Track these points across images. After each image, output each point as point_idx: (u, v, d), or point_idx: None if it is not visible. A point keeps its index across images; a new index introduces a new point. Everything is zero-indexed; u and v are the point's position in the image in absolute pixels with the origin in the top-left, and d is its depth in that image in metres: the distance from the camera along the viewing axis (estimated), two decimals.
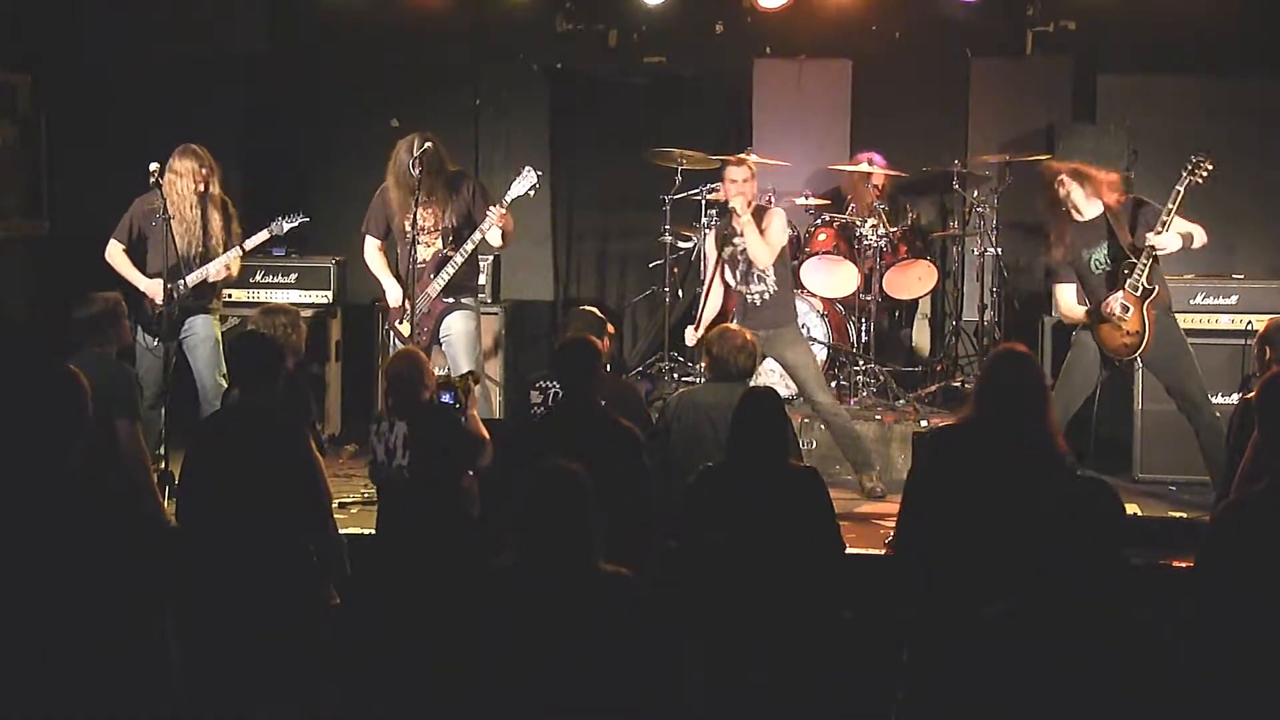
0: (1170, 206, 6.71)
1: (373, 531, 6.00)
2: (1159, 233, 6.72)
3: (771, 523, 4.83)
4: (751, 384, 6.05)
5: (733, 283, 7.56)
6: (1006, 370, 4.88)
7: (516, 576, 3.86)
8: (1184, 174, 6.70)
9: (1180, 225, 6.75)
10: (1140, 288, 6.82)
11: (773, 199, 8.86)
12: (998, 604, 3.82)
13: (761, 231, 7.37)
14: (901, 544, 4.96)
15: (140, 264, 7.38)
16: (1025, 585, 4.20)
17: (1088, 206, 6.93)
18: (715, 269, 7.52)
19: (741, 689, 4.74)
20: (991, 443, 4.77)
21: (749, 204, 7.37)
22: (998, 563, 4.53)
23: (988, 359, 5.37)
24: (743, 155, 7.59)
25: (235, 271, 7.48)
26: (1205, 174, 6.68)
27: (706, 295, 7.56)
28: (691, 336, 7.50)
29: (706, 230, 8.26)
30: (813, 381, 7.47)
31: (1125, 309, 6.84)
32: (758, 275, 7.46)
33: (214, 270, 7.34)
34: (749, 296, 7.48)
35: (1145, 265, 6.80)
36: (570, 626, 3.79)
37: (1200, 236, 6.83)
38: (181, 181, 7.25)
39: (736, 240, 7.42)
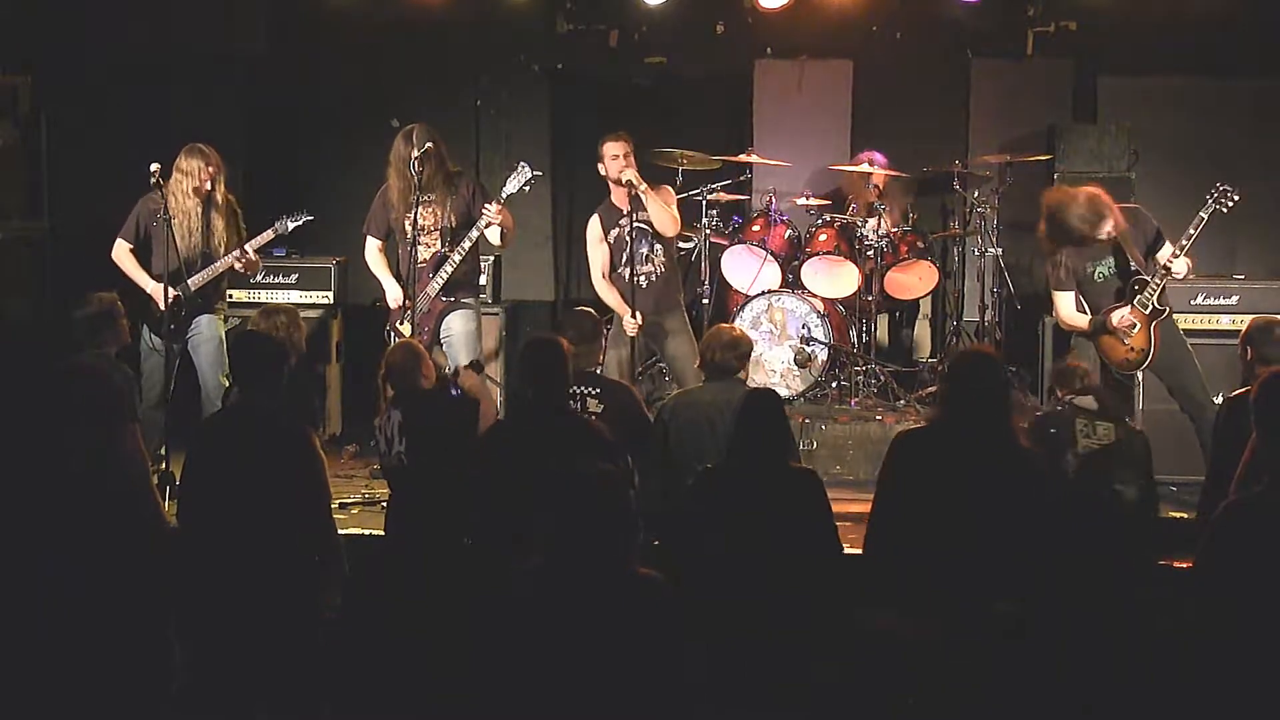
0: (1193, 233, 6.73)
1: (374, 532, 6.02)
2: (1176, 256, 6.74)
3: (770, 523, 4.83)
4: (748, 382, 6.05)
5: (617, 267, 7.38)
6: (969, 372, 4.92)
7: (546, 579, 3.86)
8: (1209, 201, 6.72)
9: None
10: (1150, 306, 6.83)
11: (774, 200, 8.87)
12: (1003, 604, 3.83)
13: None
14: (872, 547, 4.97)
15: (146, 264, 7.38)
16: (1017, 584, 4.22)
17: (1100, 233, 6.91)
18: (609, 258, 7.38)
19: (741, 689, 4.73)
20: (958, 444, 4.79)
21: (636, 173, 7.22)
22: (971, 562, 4.57)
23: (951, 361, 5.38)
24: (618, 131, 7.34)
25: (254, 267, 7.45)
26: (1232, 204, 6.70)
27: (608, 283, 7.35)
28: (631, 325, 7.26)
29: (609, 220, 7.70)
30: (690, 377, 7.09)
31: (1132, 325, 6.85)
32: (643, 256, 7.38)
33: (222, 268, 7.33)
34: (636, 279, 7.31)
35: (1158, 287, 6.81)
36: (602, 629, 3.80)
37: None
38: (187, 181, 7.25)
39: (621, 221, 7.29)
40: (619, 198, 7.29)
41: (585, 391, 5.98)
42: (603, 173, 7.35)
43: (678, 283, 7.62)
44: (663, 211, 7.24)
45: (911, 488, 4.83)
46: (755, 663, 4.72)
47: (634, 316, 7.24)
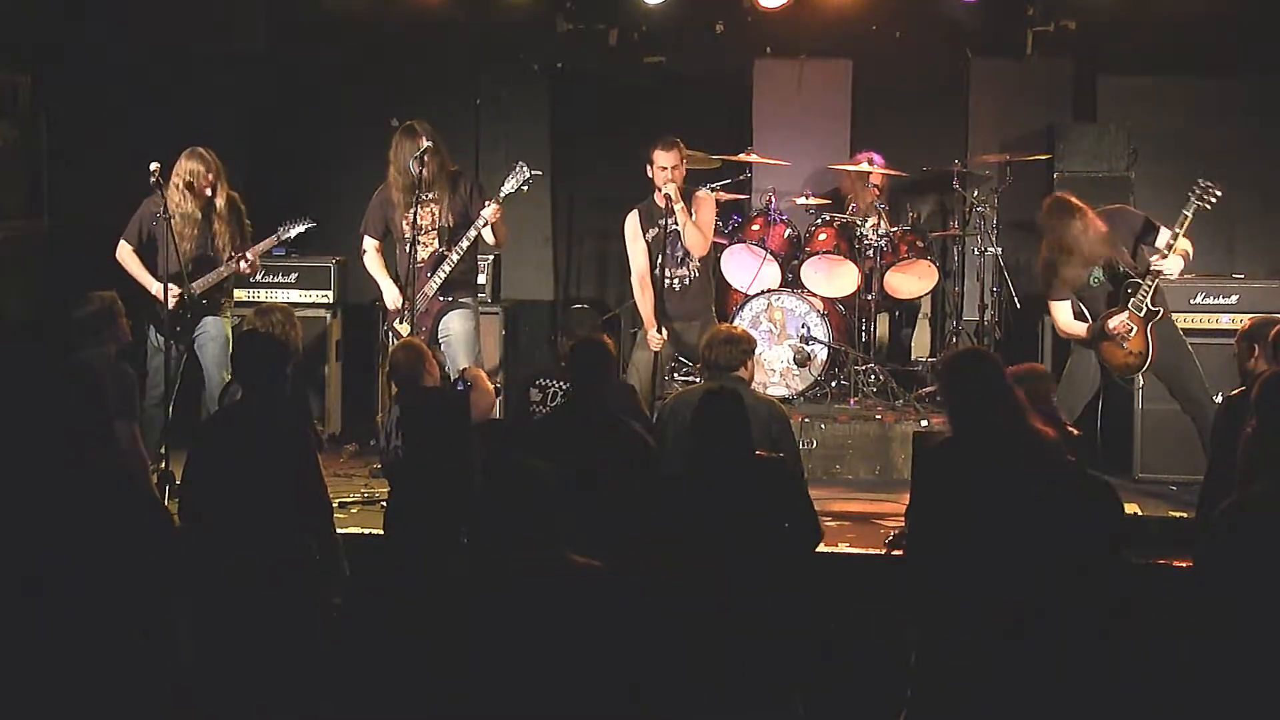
0: (1178, 231, 6.74)
1: (374, 531, 6.02)
2: (1164, 257, 6.73)
3: (740, 518, 4.80)
4: (748, 379, 6.04)
5: (655, 268, 7.41)
6: (966, 379, 4.59)
7: (490, 569, 3.88)
8: (1191, 199, 6.71)
9: (1179, 244, 6.77)
10: (1144, 309, 6.83)
11: (773, 199, 8.88)
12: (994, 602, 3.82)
13: (692, 217, 7.31)
14: (912, 572, 4.80)
15: (150, 265, 7.39)
16: (1034, 587, 4.18)
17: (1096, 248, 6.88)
18: (648, 256, 7.40)
19: (726, 689, 4.72)
20: (983, 454, 4.47)
21: (680, 189, 7.28)
22: (1016, 573, 4.40)
23: (944, 372, 5.06)
24: (674, 140, 7.39)
25: (254, 269, 7.49)
26: (1214, 200, 6.69)
27: (646, 286, 7.37)
28: (656, 340, 7.36)
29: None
30: None
31: (1129, 330, 6.84)
32: (678, 259, 7.40)
33: (226, 273, 7.36)
34: (669, 282, 7.37)
35: (1150, 288, 6.80)
36: (537, 619, 3.81)
37: (1189, 249, 6.86)
38: (187, 183, 7.26)
39: (662, 222, 7.32)
40: (661, 199, 7.30)
41: None
42: (649, 174, 7.39)
43: (711, 290, 7.68)
44: (694, 232, 7.29)
45: (945, 510, 4.50)
46: (737, 662, 4.70)
47: (660, 331, 7.27)
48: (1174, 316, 7.10)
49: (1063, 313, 7.08)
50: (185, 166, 7.29)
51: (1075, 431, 5.80)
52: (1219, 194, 6.71)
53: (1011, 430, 4.42)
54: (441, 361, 7.13)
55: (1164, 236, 6.82)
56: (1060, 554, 4.24)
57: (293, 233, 7.56)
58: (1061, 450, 4.50)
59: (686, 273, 7.44)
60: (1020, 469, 4.39)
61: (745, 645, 4.66)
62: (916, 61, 9.40)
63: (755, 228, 8.77)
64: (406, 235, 7.23)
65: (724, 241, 8.77)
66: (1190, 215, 6.72)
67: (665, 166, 7.27)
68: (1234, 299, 7.76)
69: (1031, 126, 9.25)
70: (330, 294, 8.63)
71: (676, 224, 7.31)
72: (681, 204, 7.24)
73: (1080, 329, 7.04)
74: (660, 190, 7.28)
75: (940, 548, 4.47)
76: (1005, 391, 4.49)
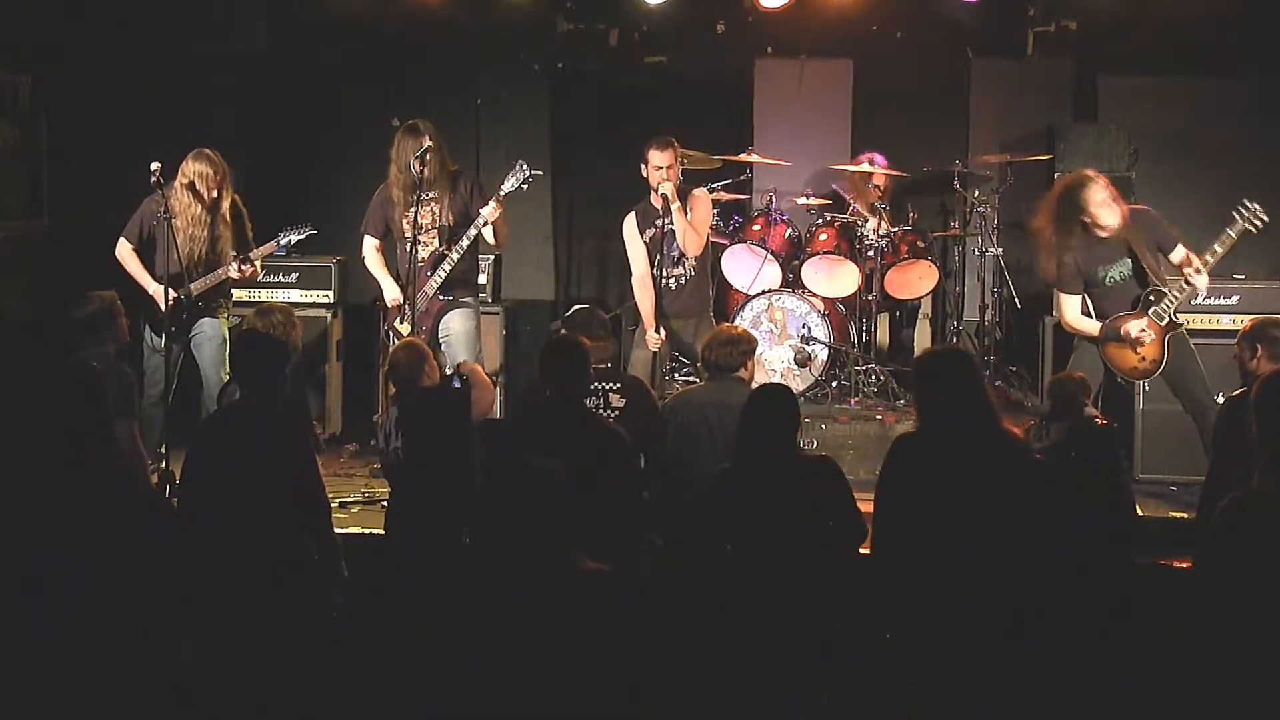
0: (1219, 250, 6.59)
1: (374, 531, 6.03)
2: (1199, 271, 6.63)
3: (795, 516, 4.81)
4: (748, 380, 6.04)
5: (652, 267, 7.40)
6: (940, 377, 4.73)
7: (499, 574, 3.88)
8: (1238, 219, 6.53)
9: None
10: (1167, 319, 6.75)
11: (774, 199, 8.88)
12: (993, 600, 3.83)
13: (688, 216, 7.32)
14: (879, 559, 4.90)
15: (149, 264, 7.39)
16: (1017, 584, 4.20)
17: (1109, 219, 6.76)
18: (647, 256, 7.40)
19: (762, 684, 4.73)
20: (945, 446, 4.65)
21: (675, 189, 7.26)
22: (976, 566, 4.49)
23: (920, 368, 5.12)
24: (669, 139, 7.32)
25: (254, 275, 7.52)
26: (1260, 224, 6.55)
27: (646, 287, 7.38)
28: (654, 340, 7.37)
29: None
30: None
31: (1147, 337, 6.78)
32: (674, 259, 7.40)
33: (223, 275, 7.36)
34: (665, 280, 7.37)
35: (1176, 300, 6.71)
36: (550, 623, 3.81)
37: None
38: (193, 186, 7.25)
39: (658, 222, 7.30)
40: (658, 199, 7.29)
41: (607, 387, 6.01)
42: (644, 175, 7.37)
43: (707, 287, 7.66)
44: (688, 231, 7.26)
45: (906, 494, 4.71)
46: (790, 661, 4.71)
47: (658, 331, 7.27)
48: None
49: (1072, 306, 6.95)
50: (192, 168, 7.27)
51: (1101, 420, 5.84)
52: (1265, 219, 6.53)
53: (974, 428, 4.55)
54: (442, 362, 7.14)
55: (1179, 253, 6.71)
56: (1015, 550, 4.32)
57: (293, 239, 7.57)
58: (1030, 452, 4.67)
59: (682, 272, 7.43)
60: (979, 466, 4.53)
61: (788, 643, 4.69)
62: (917, 61, 9.41)
63: (756, 228, 8.78)
64: (407, 234, 7.23)
65: (725, 241, 8.78)
66: (1235, 236, 6.56)
67: (660, 166, 7.24)
68: (1235, 299, 7.73)
69: (1032, 126, 9.26)
70: (330, 294, 8.61)
71: (671, 223, 7.30)
72: (678, 204, 7.23)
73: (1090, 326, 6.94)
74: (656, 190, 7.28)
75: (896, 536, 4.65)
76: (975, 392, 4.61)
